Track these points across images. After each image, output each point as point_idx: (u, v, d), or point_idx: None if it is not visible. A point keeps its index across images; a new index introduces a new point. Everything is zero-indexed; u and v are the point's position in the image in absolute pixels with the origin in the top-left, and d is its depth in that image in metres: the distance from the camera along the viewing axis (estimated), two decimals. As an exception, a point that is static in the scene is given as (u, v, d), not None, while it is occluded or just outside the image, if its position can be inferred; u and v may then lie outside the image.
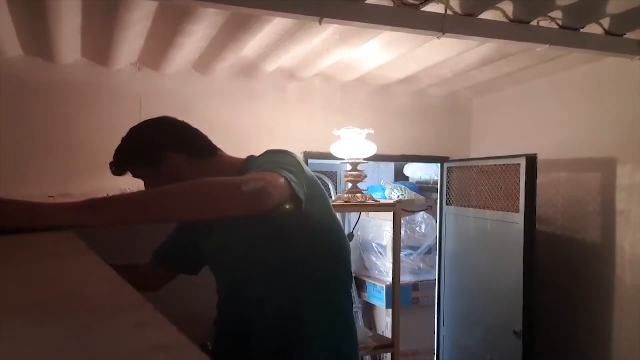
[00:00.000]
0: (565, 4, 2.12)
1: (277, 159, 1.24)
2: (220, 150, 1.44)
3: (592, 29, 2.27)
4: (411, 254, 4.08)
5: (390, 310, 3.67)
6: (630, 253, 2.70)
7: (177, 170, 1.32)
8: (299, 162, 1.26)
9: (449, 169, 3.52)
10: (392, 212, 2.68)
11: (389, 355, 3.04)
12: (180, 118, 3.36)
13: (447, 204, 3.52)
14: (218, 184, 1.08)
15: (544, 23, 2.20)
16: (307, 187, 1.20)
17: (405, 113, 3.64)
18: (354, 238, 4.02)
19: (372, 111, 3.49)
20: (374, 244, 4.14)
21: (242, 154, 3.49)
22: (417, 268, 4.06)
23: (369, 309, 4.26)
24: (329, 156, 2.91)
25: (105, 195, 2.46)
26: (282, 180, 1.11)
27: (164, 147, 1.35)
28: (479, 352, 3.15)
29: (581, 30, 2.25)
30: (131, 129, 1.43)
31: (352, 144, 2.69)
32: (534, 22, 2.18)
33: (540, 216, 2.94)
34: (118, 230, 2.30)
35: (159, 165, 1.35)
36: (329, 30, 2.35)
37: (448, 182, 3.51)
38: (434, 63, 2.87)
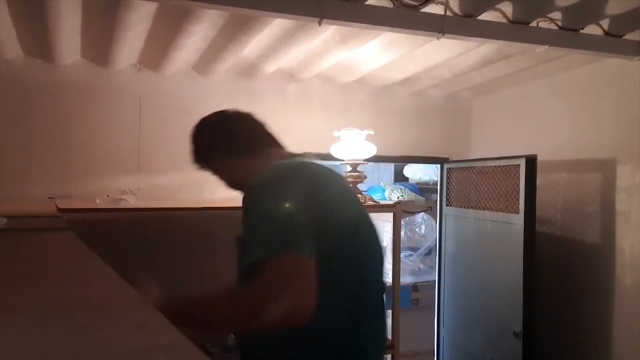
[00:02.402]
0: (565, 5, 2.12)
1: (270, 214, 1.14)
2: (268, 147, 1.43)
3: (592, 30, 2.27)
4: (411, 255, 4.08)
5: (390, 311, 3.67)
6: (631, 254, 2.70)
7: (225, 168, 1.40)
8: (298, 186, 1.17)
9: (448, 170, 3.52)
10: (392, 213, 2.68)
11: (389, 356, 3.03)
12: (180, 119, 3.35)
13: (447, 205, 3.52)
14: (249, 310, 1.06)
15: (543, 24, 2.20)
16: (321, 212, 1.13)
17: (405, 114, 3.64)
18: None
19: (372, 112, 3.49)
20: (374, 245, 4.13)
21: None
22: (417, 269, 4.06)
23: (369, 310, 4.26)
24: (328, 157, 2.90)
25: (106, 196, 2.46)
26: (292, 267, 1.04)
27: (209, 150, 1.42)
28: (479, 353, 3.15)
29: (581, 31, 2.25)
30: (192, 129, 1.50)
31: (352, 145, 2.69)
32: (533, 23, 2.18)
33: (540, 217, 2.94)
34: (119, 233, 2.31)
35: (210, 165, 1.43)
36: (329, 31, 2.35)
37: (448, 183, 3.51)
38: (433, 64, 2.87)
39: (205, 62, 2.85)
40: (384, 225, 4.04)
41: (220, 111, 1.49)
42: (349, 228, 1.23)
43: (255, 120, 1.48)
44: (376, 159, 2.89)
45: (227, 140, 1.42)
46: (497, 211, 2.98)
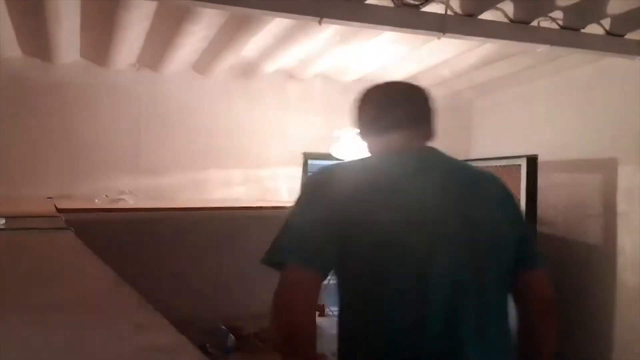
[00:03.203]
0: (566, 5, 2.11)
1: (288, 222, 1.15)
2: (386, 133, 1.30)
3: (593, 29, 2.26)
4: (411, 256, 4.07)
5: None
6: (632, 255, 2.69)
7: (363, 141, 1.36)
8: (314, 201, 1.15)
9: (449, 170, 3.51)
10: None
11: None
12: (180, 119, 3.34)
13: (447, 205, 3.51)
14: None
15: (544, 23, 2.19)
16: (341, 224, 1.09)
17: (405, 114, 3.63)
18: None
19: (372, 112, 3.48)
20: (374, 246, 4.13)
21: (242, 155, 3.46)
22: (417, 269, 4.05)
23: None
24: (329, 157, 2.90)
25: (105, 196, 2.45)
26: (287, 278, 1.05)
27: (357, 124, 1.38)
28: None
29: (582, 30, 2.24)
30: None
31: (352, 145, 2.69)
32: (534, 23, 2.18)
33: (541, 218, 2.93)
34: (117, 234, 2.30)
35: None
36: (329, 30, 2.35)
37: (448, 183, 3.50)
38: (434, 63, 2.86)
39: (205, 62, 2.85)
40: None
41: (384, 82, 1.41)
42: (382, 241, 1.11)
43: (402, 98, 1.35)
44: (376, 159, 2.88)
45: (357, 115, 1.37)
46: (498, 211, 2.97)
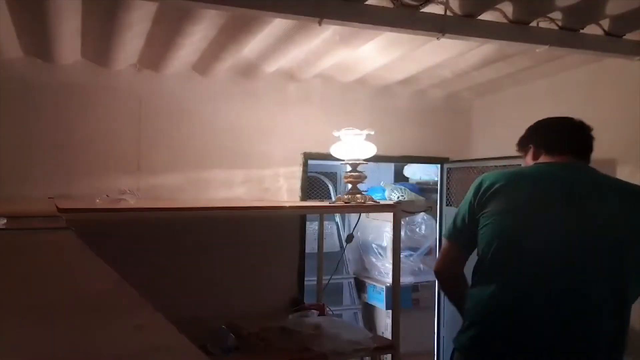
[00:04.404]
0: (565, 5, 2.12)
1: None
2: (540, 153, 1.70)
3: (592, 30, 2.27)
4: (411, 255, 4.08)
5: (390, 311, 3.66)
6: (631, 254, 2.69)
7: (527, 157, 1.76)
8: (468, 197, 1.66)
9: (448, 170, 3.52)
10: (392, 213, 2.68)
11: (389, 356, 3.03)
12: (180, 119, 3.36)
13: (447, 205, 3.52)
14: None
15: (543, 24, 2.20)
16: (479, 214, 1.60)
17: (405, 114, 3.64)
18: (354, 239, 4.03)
19: (372, 112, 3.49)
20: (374, 245, 4.15)
21: (242, 155, 3.47)
22: (417, 269, 4.06)
23: (369, 310, 4.26)
24: (328, 157, 2.90)
25: (105, 196, 2.46)
26: (444, 245, 1.77)
27: (529, 139, 1.80)
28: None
29: (581, 31, 2.25)
30: None
31: (352, 145, 2.69)
32: (533, 23, 2.18)
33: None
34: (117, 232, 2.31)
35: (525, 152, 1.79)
36: (329, 31, 2.35)
37: (448, 183, 3.51)
38: (434, 64, 2.87)
39: (205, 62, 2.85)
40: (383, 225, 4.05)
41: (563, 117, 1.80)
42: (509, 230, 1.56)
43: (563, 128, 1.77)
44: (376, 159, 2.89)
45: (535, 134, 1.79)
46: (497, 211, 2.98)
